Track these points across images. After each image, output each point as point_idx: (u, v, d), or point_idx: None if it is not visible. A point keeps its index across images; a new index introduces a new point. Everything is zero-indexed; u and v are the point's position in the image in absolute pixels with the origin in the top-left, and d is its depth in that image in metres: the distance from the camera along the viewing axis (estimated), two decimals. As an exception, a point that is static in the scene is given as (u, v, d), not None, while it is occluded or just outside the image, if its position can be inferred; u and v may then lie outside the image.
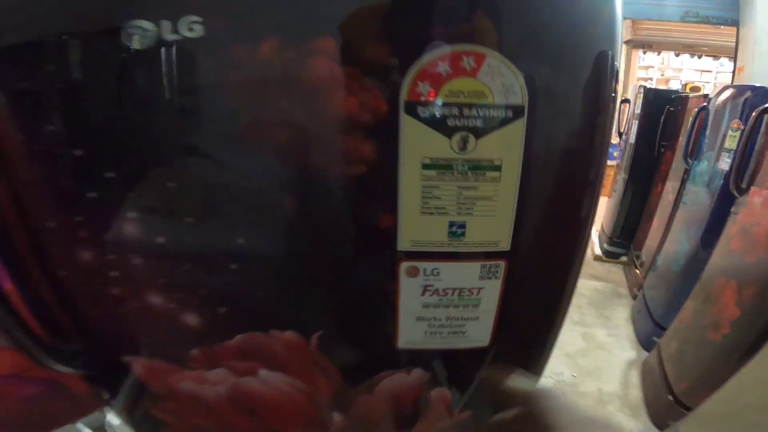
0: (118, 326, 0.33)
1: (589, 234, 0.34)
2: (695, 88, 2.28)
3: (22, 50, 0.25)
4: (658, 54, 5.39)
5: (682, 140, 1.85)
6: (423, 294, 0.30)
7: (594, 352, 1.74)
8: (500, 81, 0.24)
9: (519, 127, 0.26)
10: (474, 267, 0.29)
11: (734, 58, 2.48)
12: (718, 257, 1.30)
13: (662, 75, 5.52)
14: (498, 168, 0.26)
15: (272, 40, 0.24)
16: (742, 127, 1.36)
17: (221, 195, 0.28)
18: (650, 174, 2.30)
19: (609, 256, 2.60)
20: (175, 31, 0.23)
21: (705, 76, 5.41)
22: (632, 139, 2.40)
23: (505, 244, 0.29)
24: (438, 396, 0.36)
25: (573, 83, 0.27)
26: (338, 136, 0.26)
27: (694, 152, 1.70)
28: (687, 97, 2.04)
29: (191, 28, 0.23)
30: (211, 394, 0.35)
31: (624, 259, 2.52)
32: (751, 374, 1.05)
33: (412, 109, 0.25)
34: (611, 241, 2.59)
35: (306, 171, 0.27)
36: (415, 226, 0.28)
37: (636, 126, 2.36)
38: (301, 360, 0.31)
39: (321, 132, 0.26)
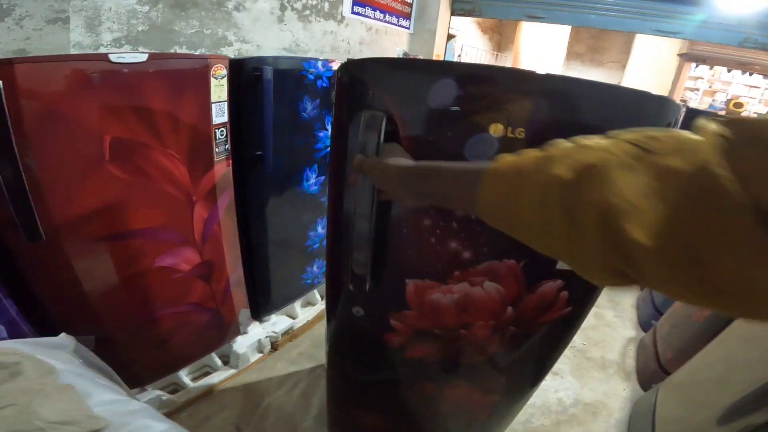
0: (410, 259, 0.68)
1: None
2: (738, 104, 2.38)
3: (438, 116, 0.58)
4: (711, 68, 5.39)
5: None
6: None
7: (602, 328, 2.11)
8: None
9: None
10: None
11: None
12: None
13: (710, 87, 5.55)
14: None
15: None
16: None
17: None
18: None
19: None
20: (512, 132, 0.56)
21: (752, 92, 5.44)
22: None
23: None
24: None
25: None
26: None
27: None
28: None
29: (519, 134, 0.56)
30: (447, 300, 0.69)
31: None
32: (713, 352, 1.28)
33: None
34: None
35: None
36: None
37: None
38: (509, 275, 0.66)
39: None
